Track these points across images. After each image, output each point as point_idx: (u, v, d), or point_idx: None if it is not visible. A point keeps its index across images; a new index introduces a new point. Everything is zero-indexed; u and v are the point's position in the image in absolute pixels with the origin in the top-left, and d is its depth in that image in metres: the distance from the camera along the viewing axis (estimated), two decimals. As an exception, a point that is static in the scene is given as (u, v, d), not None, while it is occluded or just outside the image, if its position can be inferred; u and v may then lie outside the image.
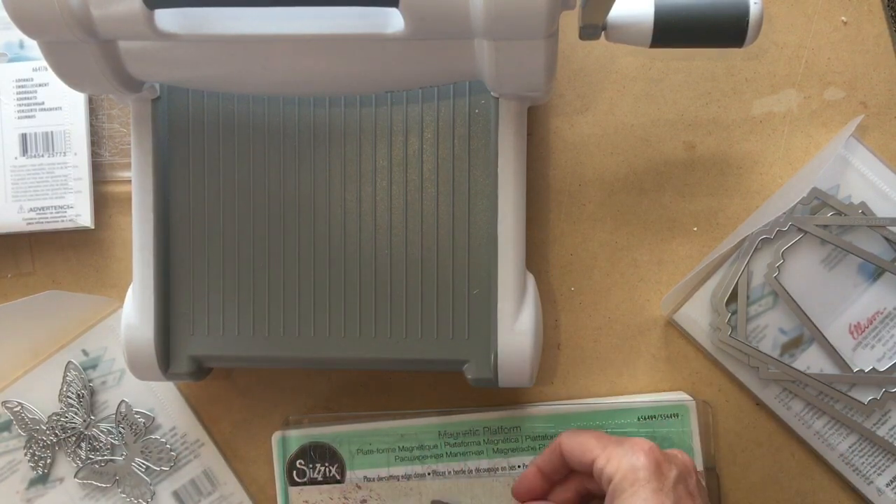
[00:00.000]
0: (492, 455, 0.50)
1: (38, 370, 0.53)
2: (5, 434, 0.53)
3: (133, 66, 0.41)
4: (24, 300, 0.50)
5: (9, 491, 0.52)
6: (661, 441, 0.49)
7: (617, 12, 0.41)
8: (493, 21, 0.36)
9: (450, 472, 0.50)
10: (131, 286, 0.47)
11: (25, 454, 0.52)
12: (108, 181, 0.53)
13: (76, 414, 0.52)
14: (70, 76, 0.41)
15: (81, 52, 0.39)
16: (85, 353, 0.53)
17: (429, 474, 0.50)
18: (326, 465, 0.50)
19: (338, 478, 0.50)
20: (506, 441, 0.50)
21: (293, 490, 0.50)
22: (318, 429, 0.50)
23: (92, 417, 0.52)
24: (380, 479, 0.50)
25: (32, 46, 0.52)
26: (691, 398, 0.49)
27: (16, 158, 0.52)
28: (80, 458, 0.52)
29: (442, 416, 0.50)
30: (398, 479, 0.50)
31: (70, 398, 0.52)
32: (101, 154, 0.53)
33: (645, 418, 0.49)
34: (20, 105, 0.52)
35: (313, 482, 0.50)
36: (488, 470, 0.49)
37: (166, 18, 0.39)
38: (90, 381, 0.53)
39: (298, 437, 0.50)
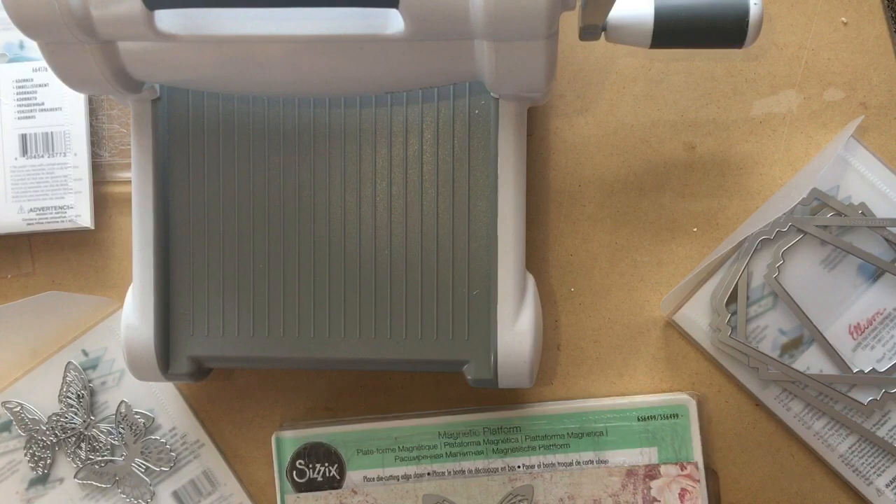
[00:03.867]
0: (491, 455, 0.50)
1: (38, 370, 0.53)
2: (5, 434, 0.53)
3: (133, 66, 0.41)
4: (24, 300, 0.50)
5: (9, 491, 0.52)
6: (662, 440, 0.49)
7: (617, 13, 0.41)
8: (493, 22, 0.36)
9: (449, 473, 0.50)
10: (131, 286, 0.47)
11: (25, 454, 0.52)
12: (108, 181, 0.53)
13: (76, 414, 0.52)
14: (70, 77, 0.41)
15: (81, 52, 0.39)
16: (85, 353, 0.53)
17: (428, 474, 0.50)
18: (326, 465, 0.50)
19: (337, 478, 0.50)
20: (506, 441, 0.50)
21: (290, 497, 0.50)
22: (317, 429, 0.50)
23: (92, 418, 0.52)
24: (379, 479, 0.50)
25: (32, 46, 0.52)
26: (691, 397, 0.49)
27: (16, 159, 0.52)
28: (80, 459, 0.52)
29: (442, 417, 0.50)
30: (398, 480, 0.50)
31: (70, 398, 0.52)
32: (101, 154, 0.53)
33: (644, 418, 0.49)
34: (20, 105, 0.52)
35: (313, 483, 0.50)
36: (487, 470, 0.50)
37: (166, 19, 0.39)
38: (90, 381, 0.53)
39: (298, 437, 0.50)
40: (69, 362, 0.52)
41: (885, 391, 0.49)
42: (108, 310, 0.53)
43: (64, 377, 0.52)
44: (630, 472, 0.49)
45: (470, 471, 0.50)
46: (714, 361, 0.51)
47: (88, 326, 0.53)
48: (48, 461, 0.52)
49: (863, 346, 0.49)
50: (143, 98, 0.45)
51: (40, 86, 0.52)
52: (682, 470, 0.49)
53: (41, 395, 0.53)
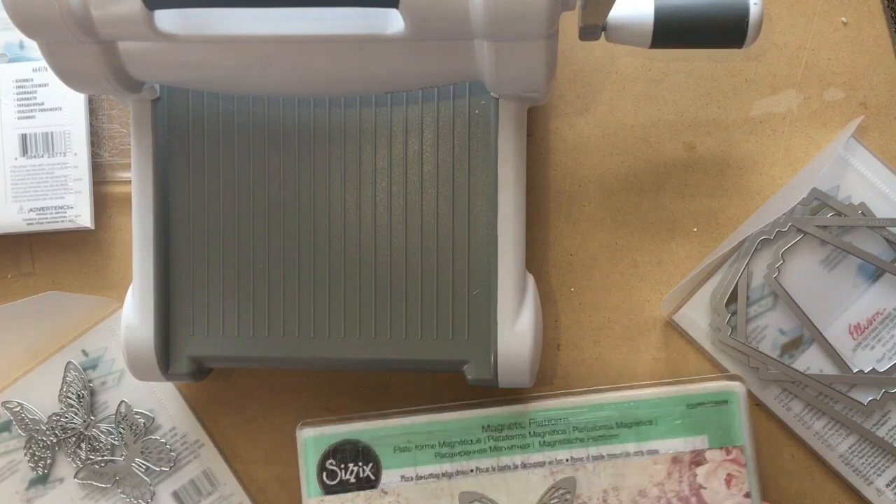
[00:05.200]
0: (536, 448, 0.47)
1: (38, 370, 0.53)
2: (5, 434, 0.53)
3: (133, 66, 0.41)
4: (24, 300, 0.50)
5: (9, 491, 0.52)
6: (709, 427, 0.47)
7: (617, 13, 0.41)
8: (493, 22, 0.36)
9: (491, 469, 0.47)
10: (131, 286, 0.47)
11: (25, 454, 0.52)
12: (108, 181, 0.53)
13: (76, 414, 0.52)
14: (70, 77, 0.41)
15: (81, 52, 0.39)
16: (85, 353, 0.53)
17: (472, 471, 0.47)
18: (360, 464, 0.46)
19: (372, 478, 0.46)
20: (552, 433, 0.47)
21: (311, 501, 0.46)
22: (349, 425, 0.47)
23: (92, 418, 0.52)
24: (419, 478, 0.47)
25: (32, 46, 0.52)
26: (740, 383, 0.48)
27: (16, 159, 0.52)
28: (80, 459, 0.52)
29: (485, 409, 0.48)
30: (437, 478, 0.47)
31: (70, 399, 0.52)
32: (101, 154, 0.53)
33: (694, 405, 0.47)
34: (20, 105, 0.52)
35: (345, 484, 0.47)
36: (530, 464, 0.47)
37: (166, 19, 0.39)
38: (90, 381, 0.53)
39: (327, 434, 0.47)
40: (69, 362, 0.52)
41: (885, 391, 0.49)
42: (108, 310, 0.53)
43: (64, 377, 0.52)
44: (675, 460, 0.48)
45: (512, 466, 0.47)
46: (714, 361, 0.51)
47: (88, 326, 0.53)
48: (48, 461, 0.52)
49: (863, 346, 0.49)
50: (143, 98, 0.45)
51: (40, 86, 0.52)
52: (727, 455, 0.48)
53: (41, 395, 0.53)
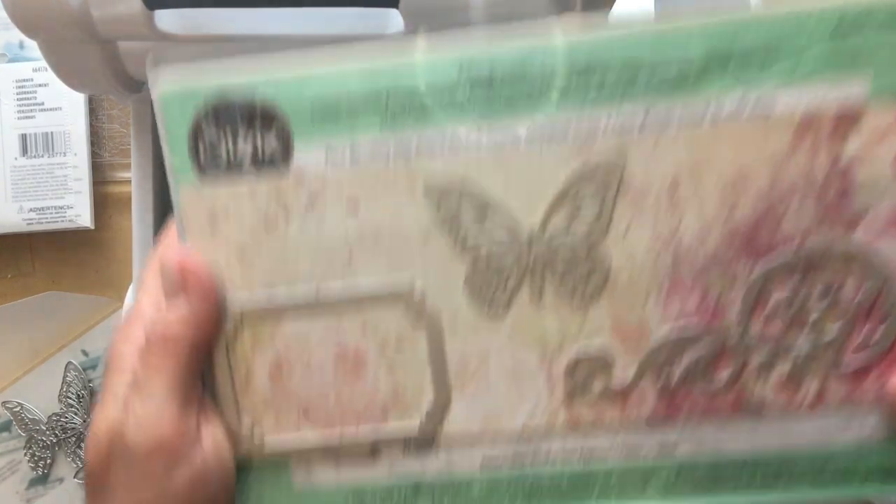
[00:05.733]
0: (558, 105, 0.27)
1: (38, 370, 0.53)
2: (5, 434, 0.53)
3: (133, 66, 0.41)
4: (24, 300, 0.50)
5: (9, 491, 0.52)
6: (873, 62, 0.26)
7: (617, 13, 0.41)
8: (494, 22, 0.36)
9: (481, 142, 0.27)
10: (131, 286, 0.47)
11: (25, 454, 0.52)
12: (108, 181, 0.53)
13: (76, 414, 0.52)
14: (70, 76, 0.41)
15: (81, 52, 0.39)
16: (85, 353, 0.53)
17: (446, 147, 0.27)
18: (258, 131, 0.27)
19: (278, 156, 0.27)
20: (582, 81, 0.26)
21: (186, 189, 0.27)
22: (237, 69, 0.28)
23: (92, 418, 0.52)
24: (353, 158, 0.27)
25: (32, 46, 0.52)
26: None
27: (16, 159, 0.52)
28: (80, 459, 0.52)
29: (465, 41, 0.27)
30: (387, 158, 0.27)
31: (70, 398, 0.52)
32: (101, 154, 0.53)
33: (846, 32, 0.26)
34: (20, 105, 0.52)
35: (232, 163, 0.27)
36: (553, 134, 0.27)
37: (166, 19, 0.39)
38: (90, 381, 0.53)
39: (205, 84, 0.27)
40: (69, 362, 0.52)
41: (886, 391, 0.49)
42: (108, 310, 0.53)
43: (64, 377, 0.52)
44: (805, 125, 0.26)
45: (513, 137, 0.27)
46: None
47: (88, 326, 0.53)
48: (48, 461, 0.52)
49: (863, 346, 0.49)
50: (143, 98, 0.45)
51: (40, 86, 0.52)
52: None
53: (41, 395, 0.53)
